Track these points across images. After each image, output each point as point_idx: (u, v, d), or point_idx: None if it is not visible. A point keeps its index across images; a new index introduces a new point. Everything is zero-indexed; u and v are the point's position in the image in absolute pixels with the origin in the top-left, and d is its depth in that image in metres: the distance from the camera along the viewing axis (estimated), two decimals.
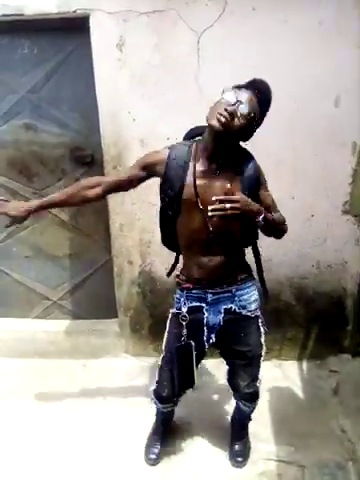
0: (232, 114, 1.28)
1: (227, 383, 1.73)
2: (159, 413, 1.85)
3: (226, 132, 1.29)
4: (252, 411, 1.77)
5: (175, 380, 1.60)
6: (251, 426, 1.90)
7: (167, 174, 1.43)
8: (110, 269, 2.45)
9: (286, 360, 2.48)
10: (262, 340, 1.59)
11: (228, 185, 1.32)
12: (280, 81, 1.96)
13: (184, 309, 1.52)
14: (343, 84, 2.01)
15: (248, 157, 1.46)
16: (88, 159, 2.31)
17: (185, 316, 1.52)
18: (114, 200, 2.23)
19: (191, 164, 1.41)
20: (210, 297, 1.50)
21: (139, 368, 2.46)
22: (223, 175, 1.39)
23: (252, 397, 1.68)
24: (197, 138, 1.50)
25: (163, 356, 1.65)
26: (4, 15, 1.98)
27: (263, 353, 1.61)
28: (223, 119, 1.27)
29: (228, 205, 1.24)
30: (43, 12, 1.97)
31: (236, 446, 1.85)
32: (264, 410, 2.08)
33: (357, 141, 2.10)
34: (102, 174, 2.21)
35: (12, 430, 2.03)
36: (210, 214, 1.26)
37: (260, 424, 1.98)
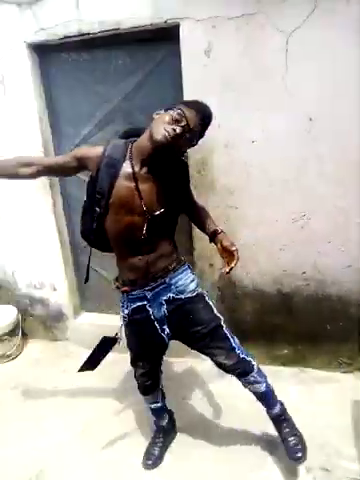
0: (180, 133, 1.34)
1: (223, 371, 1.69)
2: (152, 412, 1.95)
3: (169, 146, 1.35)
4: (267, 391, 1.69)
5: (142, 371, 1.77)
6: (334, 441, 1.82)
7: (99, 171, 1.45)
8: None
9: None
10: (215, 312, 1.61)
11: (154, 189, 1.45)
12: None
13: (126, 311, 1.61)
14: None
15: (180, 162, 1.56)
16: None
17: (125, 317, 1.62)
18: None
19: (124, 164, 1.45)
20: (149, 294, 1.56)
21: (216, 372, 2.46)
22: (153, 178, 1.46)
23: (243, 368, 1.63)
24: (132, 139, 1.52)
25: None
26: (102, 31, 2.13)
27: (222, 323, 1.61)
28: (171, 135, 1.33)
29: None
30: (138, 25, 2.08)
31: (289, 441, 1.69)
32: (347, 424, 1.97)
33: None
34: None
35: (97, 423, 2.17)
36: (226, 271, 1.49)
37: (343, 439, 1.89)
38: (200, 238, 2.35)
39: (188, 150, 2.17)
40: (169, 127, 1.34)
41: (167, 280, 1.55)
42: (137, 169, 1.45)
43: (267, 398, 1.73)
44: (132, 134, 1.57)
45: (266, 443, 1.93)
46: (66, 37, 2.24)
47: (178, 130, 1.34)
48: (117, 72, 2.32)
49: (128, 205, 1.45)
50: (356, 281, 2.16)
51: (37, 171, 1.56)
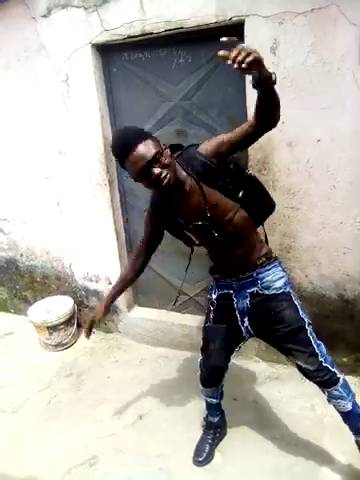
0: (160, 174, 1.35)
1: (304, 376, 1.64)
2: (206, 406, 1.98)
3: (166, 183, 1.37)
4: (348, 407, 1.58)
5: (208, 361, 1.74)
6: None
7: (156, 206, 1.60)
8: None
9: None
10: (300, 313, 1.57)
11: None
12: None
13: (214, 296, 1.67)
14: None
15: (190, 152, 1.47)
16: (231, 165, 2.34)
17: (213, 302, 1.67)
18: None
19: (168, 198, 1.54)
20: (236, 285, 1.61)
21: (269, 373, 2.44)
22: (191, 189, 1.47)
23: (325, 378, 1.54)
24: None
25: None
26: (166, 30, 2.14)
27: (307, 326, 1.56)
28: (164, 182, 1.36)
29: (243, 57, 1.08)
30: (202, 23, 2.07)
31: None
32: None
33: None
34: None
35: (148, 416, 2.22)
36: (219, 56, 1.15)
37: None
38: None
39: (250, 149, 2.16)
40: (154, 181, 1.37)
41: (254, 275, 1.57)
42: (176, 193, 1.50)
43: (352, 419, 1.64)
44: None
45: (318, 455, 1.86)
46: (129, 37, 2.26)
47: (154, 177, 1.36)
48: (179, 70, 2.32)
49: (195, 219, 1.52)
50: None
51: (145, 258, 1.75)
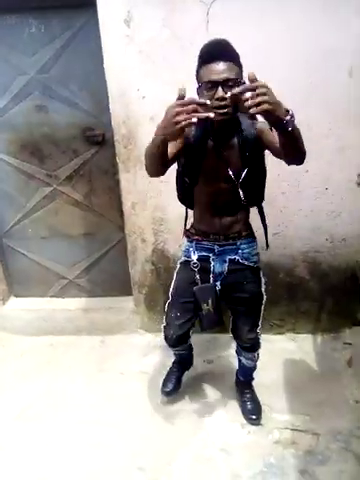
0: (224, 98, 1.28)
1: (231, 334, 1.84)
2: (175, 355, 2.02)
3: (230, 116, 1.35)
4: (253, 367, 1.90)
5: (180, 321, 1.74)
6: (266, 397, 1.97)
7: (190, 146, 1.51)
8: (124, 247, 2.49)
9: (300, 334, 2.50)
10: (262, 289, 1.72)
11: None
12: (295, 54, 1.95)
13: (194, 257, 1.67)
14: (358, 54, 1.96)
15: (245, 117, 1.44)
16: (99, 139, 2.31)
17: (196, 263, 1.66)
18: (126, 179, 2.25)
19: (208, 140, 1.49)
20: (217, 248, 1.64)
21: (154, 343, 2.52)
22: (232, 145, 1.48)
23: (253, 345, 1.78)
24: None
25: (169, 302, 1.80)
26: None
27: (263, 302, 1.73)
28: (221, 110, 1.30)
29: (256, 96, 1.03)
30: None
31: (248, 405, 1.96)
32: (279, 381, 2.13)
33: None
34: (113, 154, 2.23)
35: (33, 406, 2.12)
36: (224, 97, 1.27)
37: (275, 395, 2.04)
38: (130, 214, 2.34)
39: (114, 124, 2.14)
40: (215, 103, 1.28)
41: (238, 243, 1.63)
42: (217, 141, 1.47)
43: (249, 372, 1.95)
44: None
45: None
46: None
47: (221, 93, 1.28)
48: (32, 41, 2.16)
49: (215, 174, 1.51)
50: (281, 247, 2.31)
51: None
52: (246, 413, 1.94)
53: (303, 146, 1.27)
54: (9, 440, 1.93)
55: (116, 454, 1.81)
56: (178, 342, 1.81)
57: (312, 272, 2.38)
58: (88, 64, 2.17)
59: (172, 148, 1.44)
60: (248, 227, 1.68)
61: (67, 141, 2.36)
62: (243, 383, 2.01)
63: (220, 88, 1.28)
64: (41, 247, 2.65)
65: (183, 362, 2.08)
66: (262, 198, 1.70)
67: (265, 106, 1.03)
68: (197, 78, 1.38)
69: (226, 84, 1.28)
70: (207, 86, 1.31)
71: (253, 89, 1.03)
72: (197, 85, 1.38)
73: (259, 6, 1.91)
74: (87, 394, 2.15)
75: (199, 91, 1.37)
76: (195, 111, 1.12)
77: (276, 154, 1.40)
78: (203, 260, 1.67)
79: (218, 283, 1.68)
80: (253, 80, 1.03)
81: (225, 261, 1.66)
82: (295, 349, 2.39)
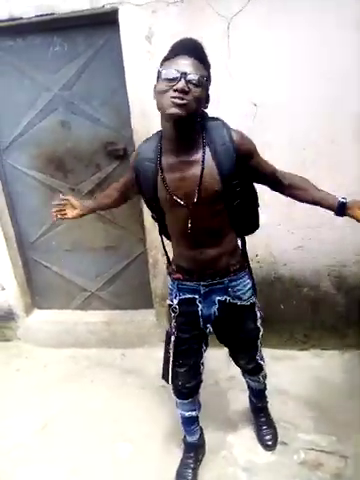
0: (184, 91, 1.13)
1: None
2: (183, 423, 1.74)
3: (188, 115, 1.16)
4: (262, 386, 1.80)
5: (184, 379, 1.56)
6: (290, 415, 1.91)
7: (138, 176, 1.36)
8: (145, 260, 2.49)
9: (326, 350, 2.42)
10: (258, 323, 1.56)
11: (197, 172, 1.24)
12: (318, 67, 1.92)
13: (175, 301, 1.46)
14: None
15: (218, 128, 1.27)
16: (121, 153, 2.33)
17: (175, 308, 1.46)
18: None
19: (161, 159, 1.29)
20: (203, 289, 1.43)
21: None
22: (195, 161, 1.25)
23: (254, 370, 1.68)
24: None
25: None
26: (37, 16, 2.03)
27: (260, 335, 1.59)
28: (179, 101, 1.13)
29: None
30: (74, 10, 2.00)
31: (263, 430, 1.87)
32: (304, 399, 2.06)
33: None
34: None
35: (56, 420, 2.12)
36: None
37: (300, 413, 1.97)
38: (152, 228, 2.34)
39: (135, 139, 2.16)
40: (171, 93, 1.14)
41: (226, 281, 1.42)
42: (173, 159, 1.27)
43: (260, 393, 1.85)
44: None
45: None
46: None
47: (180, 87, 1.12)
48: (56, 59, 2.21)
49: (171, 199, 1.30)
50: (305, 261, 2.25)
51: (119, 197, 1.60)
52: (261, 438, 1.85)
53: None
54: (32, 453, 1.94)
55: (137, 470, 1.79)
56: (188, 395, 1.61)
57: (338, 286, 2.31)
58: (110, 80, 2.20)
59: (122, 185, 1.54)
60: (238, 259, 1.45)
61: (89, 156, 2.39)
62: (258, 409, 1.91)
63: (182, 80, 1.13)
64: (64, 260, 2.68)
65: (194, 446, 1.78)
66: (253, 225, 1.51)
67: None
68: (160, 68, 1.22)
69: (191, 81, 1.14)
70: (169, 79, 1.15)
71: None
72: (156, 76, 1.23)
73: (282, 19, 1.90)
74: (108, 409, 2.14)
75: (156, 85, 1.22)
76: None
77: (270, 181, 1.39)
78: (188, 303, 1.45)
79: (209, 325, 1.48)
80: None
81: (214, 303, 1.44)
82: (321, 365, 2.31)
